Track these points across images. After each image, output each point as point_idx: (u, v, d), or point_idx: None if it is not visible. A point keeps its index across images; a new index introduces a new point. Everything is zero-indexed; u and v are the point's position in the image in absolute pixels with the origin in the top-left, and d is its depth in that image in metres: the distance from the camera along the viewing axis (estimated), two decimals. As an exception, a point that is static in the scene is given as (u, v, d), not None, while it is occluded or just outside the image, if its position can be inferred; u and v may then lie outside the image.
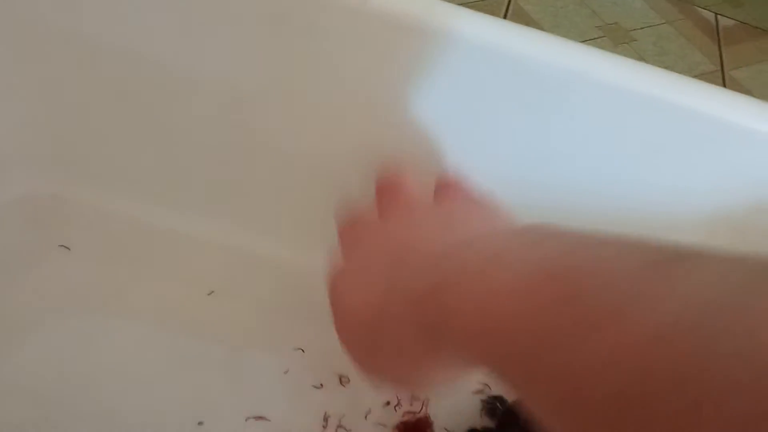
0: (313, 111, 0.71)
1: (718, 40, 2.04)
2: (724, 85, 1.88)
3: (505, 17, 1.84)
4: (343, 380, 0.77)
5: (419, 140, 0.69)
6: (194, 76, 0.70)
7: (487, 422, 0.75)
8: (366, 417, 0.75)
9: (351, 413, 0.75)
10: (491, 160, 0.70)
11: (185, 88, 0.71)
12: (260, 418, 0.72)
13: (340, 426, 0.74)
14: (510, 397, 0.75)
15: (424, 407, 0.76)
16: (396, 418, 0.75)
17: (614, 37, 1.93)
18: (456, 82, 0.64)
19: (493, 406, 0.75)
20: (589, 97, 0.63)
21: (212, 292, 0.80)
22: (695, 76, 1.44)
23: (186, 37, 0.66)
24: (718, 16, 2.14)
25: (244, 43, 0.66)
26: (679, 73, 0.64)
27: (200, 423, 0.71)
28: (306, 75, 0.67)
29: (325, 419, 0.74)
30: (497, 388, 0.77)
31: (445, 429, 0.75)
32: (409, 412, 0.75)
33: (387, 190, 0.60)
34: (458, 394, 0.78)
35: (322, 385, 0.76)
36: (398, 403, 0.75)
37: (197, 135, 0.76)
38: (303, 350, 0.77)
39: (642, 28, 1.99)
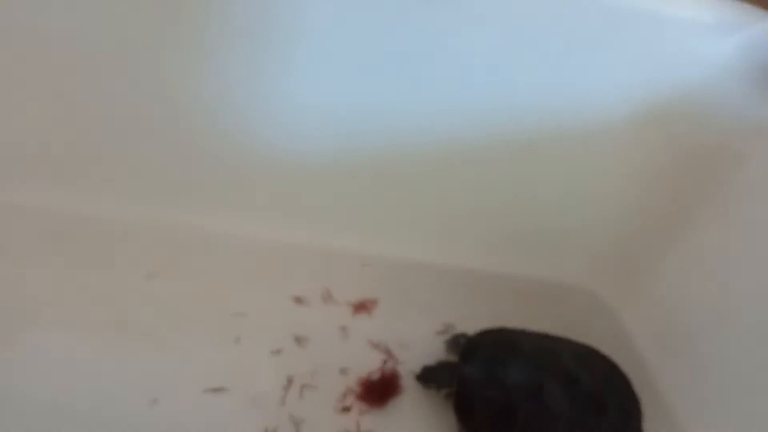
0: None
1: None
2: None
3: None
4: (301, 342, 0.73)
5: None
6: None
7: (453, 358, 0.72)
8: (331, 376, 0.71)
9: (314, 373, 0.71)
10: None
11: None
12: (219, 389, 0.68)
13: (305, 386, 0.70)
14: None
15: (391, 361, 0.73)
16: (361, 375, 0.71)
17: None
18: None
19: (456, 342, 0.73)
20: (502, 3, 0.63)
21: (151, 274, 0.76)
22: None
23: None
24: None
25: None
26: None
27: (155, 401, 0.66)
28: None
29: (289, 382, 0.70)
30: (460, 327, 0.75)
31: (413, 372, 0.72)
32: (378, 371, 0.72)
33: None
34: (424, 338, 0.75)
35: (279, 349, 0.72)
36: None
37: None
38: (249, 315, 0.74)
39: None
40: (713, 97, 0.65)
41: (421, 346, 0.74)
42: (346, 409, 0.68)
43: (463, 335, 0.73)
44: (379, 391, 0.70)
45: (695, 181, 0.70)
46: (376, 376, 0.71)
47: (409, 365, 0.72)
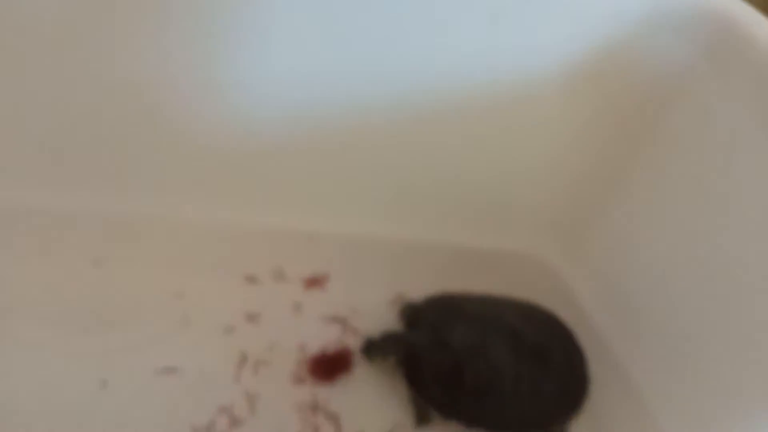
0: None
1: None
2: None
3: None
4: (253, 319, 0.73)
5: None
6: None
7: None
8: (285, 352, 0.71)
9: (268, 350, 0.70)
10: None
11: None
12: (170, 369, 0.67)
13: (259, 362, 0.69)
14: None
15: (347, 334, 0.73)
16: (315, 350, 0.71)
17: None
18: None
19: (407, 310, 0.73)
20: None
21: (97, 261, 0.75)
22: None
23: None
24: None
25: None
26: None
27: (104, 384, 0.65)
28: None
29: (242, 359, 0.69)
30: (412, 296, 0.75)
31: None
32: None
33: None
34: (378, 308, 0.75)
35: (232, 328, 0.72)
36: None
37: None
38: (198, 296, 0.73)
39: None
40: (638, 48, 0.67)
41: (375, 316, 0.74)
42: (301, 381, 0.68)
43: (411, 304, 0.73)
44: (329, 365, 0.70)
45: (628, 135, 0.72)
46: (330, 350, 0.70)
47: (364, 333, 0.72)
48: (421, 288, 0.76)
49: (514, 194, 0.80)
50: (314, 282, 0.77)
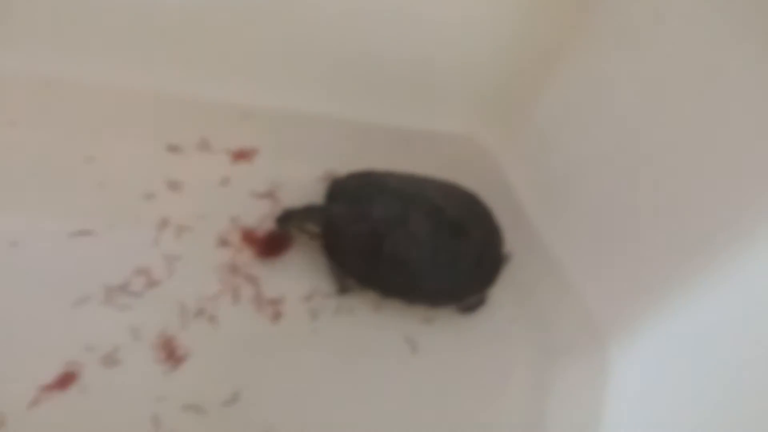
0: None
1: None
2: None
3: None
4: (176, 187, 0.70)
5: None
6: None
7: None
8: (209, 220, 0.69)
9: (191, 217, 0.68)
10: None
11: None
12: (85, 232, 0.65)
13: (181, 228, 0.67)
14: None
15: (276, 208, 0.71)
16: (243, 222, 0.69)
17: None
18: None
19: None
20: None
21: (12, 122, 0.71)
22: None
23: None
24: None
25: None
26: None
27: (13, 244, 0.62)
28: None
29: (163, 223, 0.67)
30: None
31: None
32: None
33: None
34: (306, 185, 0.74)
35: (152, 194, 0.69)
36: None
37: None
38: (117, 161, 0.70)
39: None
40: None
41: (302, 192, 0.72)
42: (224, 246, 0.66)
43: (336, 178, 0.72)
44: (273, 243, 0.68)
45: (563, 11, 0.71)
46: (265, 225, 0.69)
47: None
48: (351, 166, 0.74)
49: (448, 73, 0.78)
50: (242, 155, 0.74)
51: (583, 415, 0.63)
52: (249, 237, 0.68)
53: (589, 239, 0.70)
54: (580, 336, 0.68)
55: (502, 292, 0.68)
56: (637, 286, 0.65)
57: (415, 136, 0.80)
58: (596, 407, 0.64)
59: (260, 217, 0.70)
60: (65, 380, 0.56)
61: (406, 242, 0.64)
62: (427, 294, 0.65)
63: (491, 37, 0.75)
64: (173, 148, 0.73)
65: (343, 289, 0.66)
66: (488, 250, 0.68)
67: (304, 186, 0.73)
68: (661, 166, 0.63)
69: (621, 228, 0.67)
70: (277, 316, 0.63)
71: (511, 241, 0.69)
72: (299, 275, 0.66)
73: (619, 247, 0.67)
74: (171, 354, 0.59)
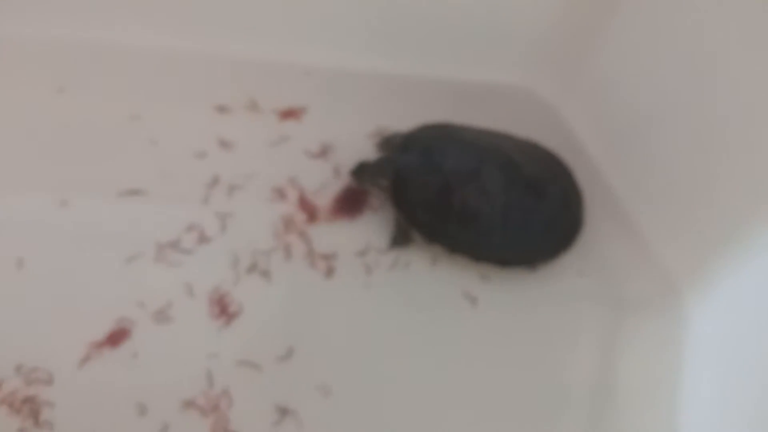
0: None
1: None
2: None
3: None
4: (226, 146, 0.69)
5: None
6: None
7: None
8: (261, 177, 0.67)
9: (243, 175, 0.67)
10: None
11: None
12: (135, 191, 0.64)
13: (233, 186, 0.66)
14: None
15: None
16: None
17: None
18: None
19: (389, 141, 0.69)
20: None
21: (61, 89, 0.70)
22: None
23: None
24: None
25: None
26: None
27: (63, 203, 0.62)
28: None
29: (214, 181, 0.66)
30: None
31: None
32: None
33: None
34: (357, 141, 0.71)
35: (203, 153, 0.68)
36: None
37: None
38: (165, 121, 0.69)
39: None
40: None
41: (354, 150, 0.70)
42: (276, 201, 0.64)
43: (396, 134, 0.69)
44: (350, 199, 0.66)
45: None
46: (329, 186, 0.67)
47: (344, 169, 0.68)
48: (403, 123, 0.71)
49: (503, 21, 0.74)
50: (290, 114, 0.72)
51: (657, 373, 0.59)
52: (305, 202, 0.65)
53: (660, 189, 0.66)
54: (654, 291, 0.63)
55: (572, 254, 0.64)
56: (712, 237, 0.61)
57: (470, 89, 0.77)
58: (672, 365, 0.60)
59: (312, 175, 0.68)
60: (116, 337, 0.55)
61: (477, 197, 0.62)
62: (495, 253, 0.62)
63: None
64: (221, 108, 0.72)
65: (402, 241, 0.63)
66: (565, 214, 0.64)
67: (355, 144, 0.71)
68: (734, 109, 0.58)
69: (693, 176, 0.63)
70: (330, 272, 0.61)
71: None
72: (353, 231, 0.64)
73: (692, 196, 0.63)
74: (224, 310, 0.57)
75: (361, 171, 0.66)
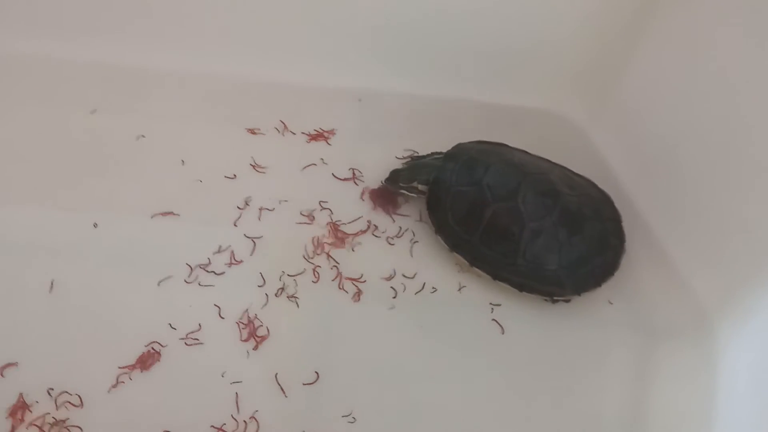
0: None
1: None
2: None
3: None
4: (257, 168, 0.70)
5: None
6: None
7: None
8: (291, 199, 0.67)
9: (272, 198, 0.67)
10: None
11: None
12: (167, 213, 0.65)
13: (262, 208, 0.66)
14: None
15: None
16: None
17: None
18: None
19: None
20: None
21: (95, 110, 0.72)
22: None
23: None
24: None
25: None
26: None
27: (95, 225, 0.63)
28: None
29: (246, 203, 0.66)
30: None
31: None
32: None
33: None
34: (386, 164, 0.71)
35: (235, 175, 0.68)
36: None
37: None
38: (199, 144, 0.71)
39: None
40: None
41: (383, 172, 0.70)
42: (306, 225, 0.64)
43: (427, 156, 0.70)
44: (386, 196, 0.68)
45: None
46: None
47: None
48: (432, 146, 0.72)
49: (533, 49, 0.74)
50: (320, 136, 0.73)
51: (690, 404, 0.58)
52: (334, 226, 0.66)
53: (692, 217, 0.65)
54: (686, 320, 0.62)
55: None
56: (745, 266, 0.60)
57: (501, 112, 0.77)
58: (705, 397, 0.58)
59: (342, 198, 0.68)
60: (147, 360, 0.55)
61: (508, 216, 0.61)
62: (514, 276, 0.61)
63: (577, 9, 0.71)
64: (253, 131, 0.72)
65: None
66: (598, 255, 0.62)
67: (384, 166, 0.71)
68: (763, 136, 0.57)
69: (724, 204, 0.62)
70: (358, 296, 0.61)
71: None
72: (380, 256, 0.64)
73: (724, 224, 0.62)
74: (252, 333, 0.57)
75: (395, 177, 0.67)
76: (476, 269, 0.62)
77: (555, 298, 0.61)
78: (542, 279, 0.61)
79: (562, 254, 0.61)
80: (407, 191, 0.66)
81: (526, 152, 0.68)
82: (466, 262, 0.62)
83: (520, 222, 0.61)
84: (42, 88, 0.73)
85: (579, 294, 0.61)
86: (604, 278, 0.61)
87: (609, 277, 0.61)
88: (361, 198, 0.68)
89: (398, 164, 0.70)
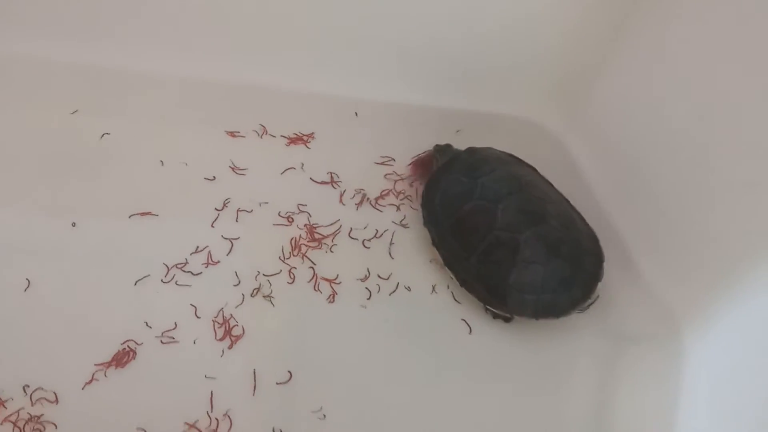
0: None
1: None
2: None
3: None
4: (236, 171, 0.70)
5: None
6: None
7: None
8: (268, 201, 0.68)
9: (251, 200, 0.68)
10: None
11: None
12: (146, 213, 0.65)
13: (239, 210, 0.67)
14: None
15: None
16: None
17: None
18: None
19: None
20: None
21: (76, 111, 0.72)
22: None
23: None
24: None
25: None
26: None
27: (73, 224, 0.63)
28: None
29: (224, 204, 0.67)
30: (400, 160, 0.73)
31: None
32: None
33: None
34: (364, 169, 0.73)
35: (214, 177, 0.69)
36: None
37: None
38: (178, 145, 0.71)
39: None
40: None
41: (361, 175, 0.71)
42: (283, 226, 0.65)
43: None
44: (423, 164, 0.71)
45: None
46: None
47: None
48: (409, 151, 0.73)
49: (510, 56, 0.76)
50: (298, 140, 0.74)
51: (655, 407, 0.59)
52: (311, 228, 0.67)
53: (661, 227, 0.67)
54: (653, 325, 0.64)
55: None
56: (711, 276, 0.61)
57: (478, 119, 0.78)
58: (669, 398, 0.60)
59: (319, 201, 0.69)
60: (123, 357, 0.56)
61: (483, 216, 0.62)
62: (463, 271, 0.62)
63: (555, 21, 0.73)
64: (232, 134, 0.73)
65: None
66: (553, 292, 0.60)
67: (362, 170, 0.72)
68: (735, 150, 0.59)
69: (695, 212, 0.63)
70: (333, 297, 0.62)
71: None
72: (356, 258, 0.65)
73: (692, 236, 0.63)
74: (227, 332, 0.58)
75: (443, 148, 0.70)
76: (438, 254, 0.63)
77: (490, 308, 0.62)
78: (488, 285, 0.61)
79: (516, 273, 0.60)
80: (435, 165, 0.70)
81: (548, 182, 0.68)
82: (440, 258, 0.63)
83: (489, 225, 0.62)
84: (23, 88, 0.74)
85: (512, 316, 0.61)
86: (545, 315, 0.60)
87: (550, 317, 0.59)
88: (340, 202, 0.69)
89: (376, 170, 0.72)
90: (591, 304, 0.61)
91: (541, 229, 0.61)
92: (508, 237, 0.61)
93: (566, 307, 0.59)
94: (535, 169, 0.69)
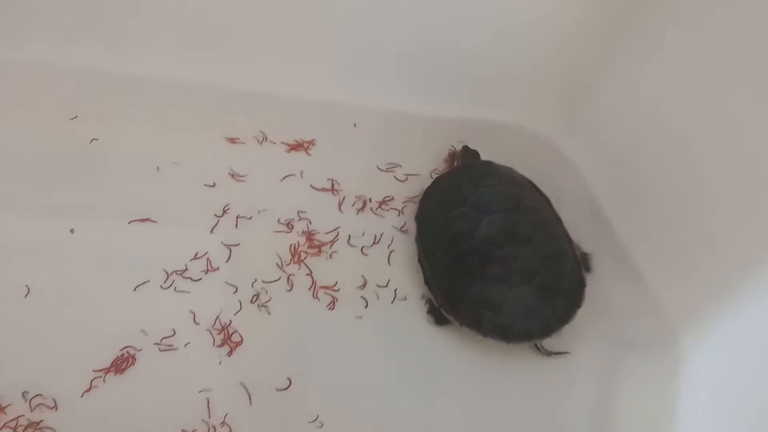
0: None
1: None
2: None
3: None
4: (236, 177, 0.71)
5: None
6: None
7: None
8: (268, 208, 0.68)
9: (250, 207, 0.68)
10: None
11: None
12: (145, 220, 0.65)
13: (239, 216, 0.67)
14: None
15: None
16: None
17: None
18: None
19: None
20: None
21: (75, 116, 0.73)
22: None
23: None
24: None
25: None
26: None
27: (72, 230, 0.63)
28: None
29: (224, 210, 0.67)
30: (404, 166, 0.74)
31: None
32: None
33: None
34: (367, 176, 0.73)
35: (214, 183, 0.69)
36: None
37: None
38: (178, 151, 0.71)
39: None
40: None
41: (362, 183, 0.71)
42: (283, 233, 0.66)
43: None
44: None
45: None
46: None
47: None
48: (409, 159, 0.73)
49: (510, 64, 0.76)
50: (299, 146, 0.74)
51: (655, 412, 0.60)
52: (310, 235, 0.67)
53: (661, 229, 0.67)
54: (652, 330, 0.64)
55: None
56: (711, 283, 0.61)
57: (476, 127, 0.78)
58: (668, 404, 0.60)
59: (319, 208, 0.69)
60: (122, 364, 0.56)
61: (465, 224, 0.62)
62: (429, 268, 0.62)
63: (552, 28, 0.73)
64: (232, 140, 0.73)
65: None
66: (510, 314, 0.58)
67: (362, 177, 0.72)
68: (734, 157, 0.59)
69: (694, 218, 0.63)
70: (332, 304, 0.62)
71: (578, 231, 0.66)
72: (353, 266, 0.65)
73: (692, 242, 0.63)
74: (226, 339, 0.58)
75: (470, 151, 0.71)
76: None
77: (434, 303, 0.61)
78: (447, 287, 0.60)
79: (480, 286, 0.59)
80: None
81: (558, 218, 0.66)
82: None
83: (470, 233, 0.61)
84: (22, 93, 0.74)
85: (460, 325, 0.60)
86: (495, 335, 0.58)
87: (500, 340, 0.58)
88: (339, 209, 0.69)
89: (377, 177, 0.73)
90: (554, 353, 0.60)
91: (520, 252, 0.59)
92: (483, 249, 0.60)
93: (520, 336, 0.58)
94: (549, 201, 0.67)
